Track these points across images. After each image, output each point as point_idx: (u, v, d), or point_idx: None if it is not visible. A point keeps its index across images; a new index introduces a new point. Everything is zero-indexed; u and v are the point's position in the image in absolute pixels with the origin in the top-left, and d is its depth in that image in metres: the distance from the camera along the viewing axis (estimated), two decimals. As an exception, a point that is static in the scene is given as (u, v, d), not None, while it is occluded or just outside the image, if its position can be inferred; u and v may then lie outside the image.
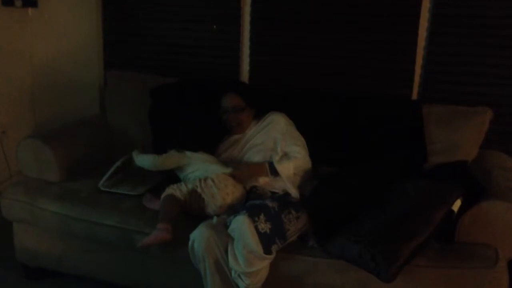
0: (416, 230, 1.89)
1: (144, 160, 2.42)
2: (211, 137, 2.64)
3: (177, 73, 3.09)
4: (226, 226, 2.09)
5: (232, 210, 2.23)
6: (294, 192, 2.31)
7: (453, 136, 2.45)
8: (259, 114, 2.62)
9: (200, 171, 2.36)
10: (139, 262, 2.32)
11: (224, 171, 2.32)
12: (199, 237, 2.07)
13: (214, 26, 3.12)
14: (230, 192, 2.26)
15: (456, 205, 1.95)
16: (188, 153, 2.43)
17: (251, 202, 2.15)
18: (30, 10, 3.40)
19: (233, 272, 2.03)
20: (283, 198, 2.25)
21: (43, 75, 3.49)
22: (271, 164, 2.35)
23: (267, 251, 1.99)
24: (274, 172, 2.34)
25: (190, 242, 2.08)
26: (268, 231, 1.99)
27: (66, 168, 2.58)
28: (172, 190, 2.26)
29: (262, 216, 2.01)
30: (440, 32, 2.72)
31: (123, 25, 3.28)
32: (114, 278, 2.43)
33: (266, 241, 1.98)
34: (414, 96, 2.82)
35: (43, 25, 3.40)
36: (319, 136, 2.58)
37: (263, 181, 2.39)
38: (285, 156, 2.40)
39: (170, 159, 2.41)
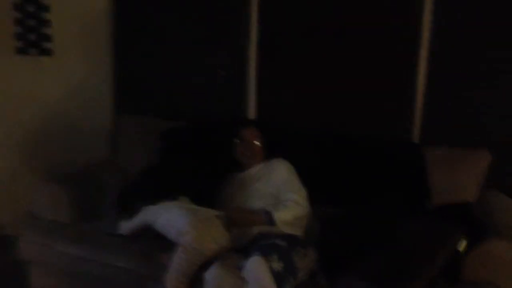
0: (422, 269, 1.96)
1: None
2: (215, 178, 2.74)
3: (186, 117, 3.22)
4: (238, 268, 2.16)
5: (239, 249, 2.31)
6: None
7: (454, 178, 2.52)
8: (266, 157, 2.70)
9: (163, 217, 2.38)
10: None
11: (216, 213, 2.37)
12: (213, 277, 2.14)
13: (221, 72, 3.27)
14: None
15: (462, 245, 2.03)
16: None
17: (262, 242, 2.21)
18: (44, 59, 3.54)
19: None
20: (290, 237, 2.32)
21: (55, 120, 3.58)
22: (267, 213, 2.40)
23: None
24: (270, 222, 2.38)
25: (205, 282, 2.15)
26: (281, 269, 2.05)
27: (80, 210, 2.67)
28: (180, 284, 2.22)
29: (275, 256, 2.07)
30: (438, 75, 2.84)
31: (133, 72, 3.43)
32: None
33: (280, 280, 2.04)
34: (415, 138, 2.92)
35: (57, 73, 3.53)
36: (321, 177, 2.67)
37: (258, 228, 2.42)
38: (282, 204, 2.44)
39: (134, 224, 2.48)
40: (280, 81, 3.17)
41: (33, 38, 3.47)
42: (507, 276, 2.01)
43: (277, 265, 2.05)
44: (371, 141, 2.77)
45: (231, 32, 3.22)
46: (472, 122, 2.82)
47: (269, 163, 2.66)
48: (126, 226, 2.52)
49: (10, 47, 3.51)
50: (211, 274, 2.15)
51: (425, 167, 2.55)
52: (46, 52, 3.51)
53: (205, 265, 2.20)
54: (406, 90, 2.91)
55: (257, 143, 2.66)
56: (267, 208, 2.43)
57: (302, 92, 3.13)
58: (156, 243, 2.41)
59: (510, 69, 2.71)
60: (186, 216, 2.31)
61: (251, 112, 3.26)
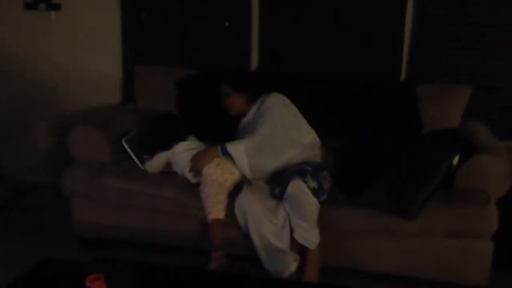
0: (427, 180, 2.42)
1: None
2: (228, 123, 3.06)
3: (195, 66, 3.45)
4: (271, 192, 2.56)
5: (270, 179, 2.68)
6: (247, 173, 2.61)
7: (441, 110, 2.97)
8: (257, 97, 2.95)
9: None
10: (196, 227, 2.71)
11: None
12: (241, 199, 2.53)
13: (227, 23, 3.54)
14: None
15: (455, 160, 2.49)
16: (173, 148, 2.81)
17: (293, 168, 2.58)
18: (53, 13, 3.68)
19: (296, 234, 2.47)
20: (310, 163, 2.66)
21: (66, 72, 3.78)
22: (223, 145, 2.63)
23: (320, 202, 2.48)
24: (226, 153, 2.62)
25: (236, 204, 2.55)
26: (316, 186, 2.47)
27: (114, 151, 2.93)
28: (217, 211, 2.54)
29: (309, 176, 2.48)
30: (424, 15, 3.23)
31: (141, 23, 3.62)
32: (172, 243, 2.79)
33: (317, 194, 2.47)
34: (403, 75, 3.31)
35: (66, 27, 3.69)
36: (330, 117, 3.01)
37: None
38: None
39: (158, 161, 2.83)
40: (281, 29, 3.46)
41: (41, -7, 3.63)
42: (491, 182, 2.47)
43: (312, 183, 2.47)
44: (371, 82, 3.13)
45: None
46: (453, 61, 3.25)
47: (260, 102, 2.91)
48: (150, 165, 2.85)
49: (20, 3, 3.67)
50: (240, 197, 2.54)
51: (417, 102, 2.98)
52: (54, 7, 3.66)
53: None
54: (395, 34, 3.28)
55: (226, 97, 2.91)
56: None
57: (301, 39, 3.44)
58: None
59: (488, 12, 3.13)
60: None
61: (254, 59, 3.54)
